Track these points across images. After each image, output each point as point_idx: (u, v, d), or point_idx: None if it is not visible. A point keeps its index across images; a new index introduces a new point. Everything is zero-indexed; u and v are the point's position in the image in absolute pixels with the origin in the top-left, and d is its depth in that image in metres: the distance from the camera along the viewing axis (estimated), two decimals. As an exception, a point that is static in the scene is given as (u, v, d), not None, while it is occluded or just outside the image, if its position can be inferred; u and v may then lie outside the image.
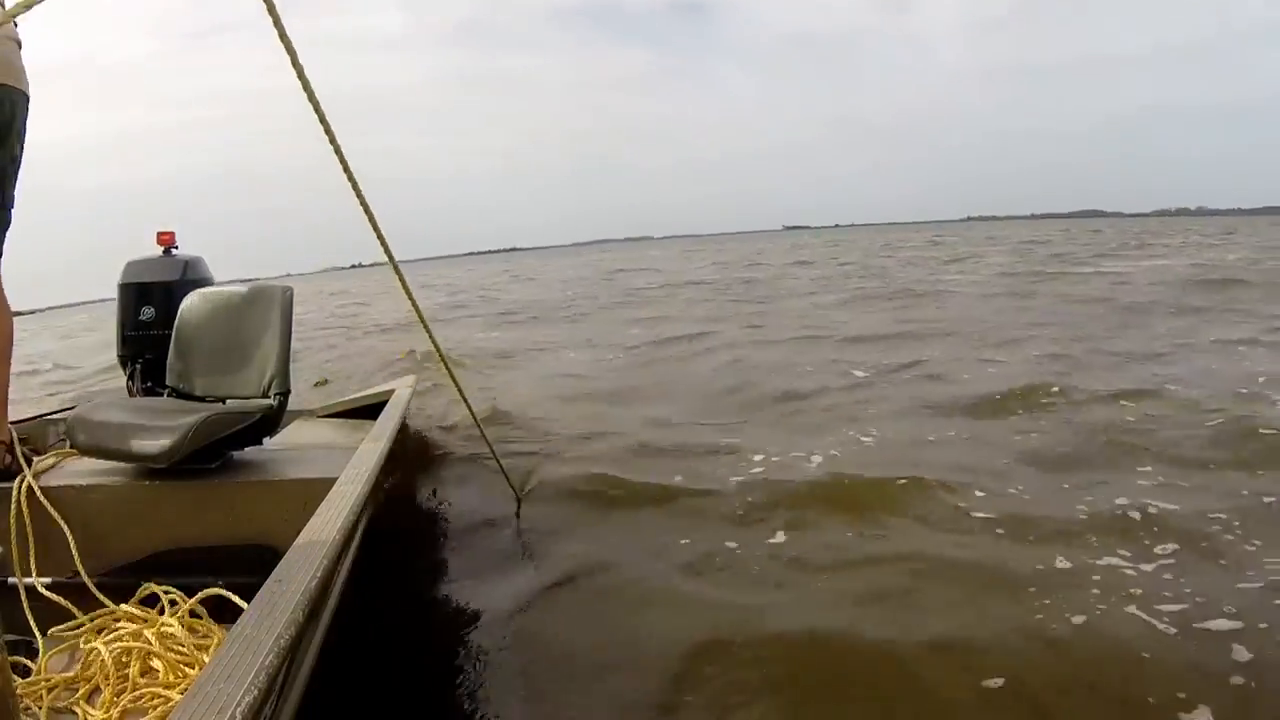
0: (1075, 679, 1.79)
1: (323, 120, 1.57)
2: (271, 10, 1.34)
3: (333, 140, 1.63)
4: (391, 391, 3.04)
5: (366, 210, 1.84)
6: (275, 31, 1.38)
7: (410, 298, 2.25)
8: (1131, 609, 2.05)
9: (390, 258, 2.03)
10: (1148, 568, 2.30)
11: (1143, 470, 3.13)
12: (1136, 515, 2.64)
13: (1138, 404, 4.07)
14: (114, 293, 2.94)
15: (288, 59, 1.43)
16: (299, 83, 1.48)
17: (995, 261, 16.49)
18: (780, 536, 2.73)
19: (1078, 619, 2.02)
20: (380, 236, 1.92)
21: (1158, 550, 2.40)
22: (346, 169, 1.71)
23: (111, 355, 3.09)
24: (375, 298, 18.98)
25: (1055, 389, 4.42)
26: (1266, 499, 2.72)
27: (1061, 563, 2.35)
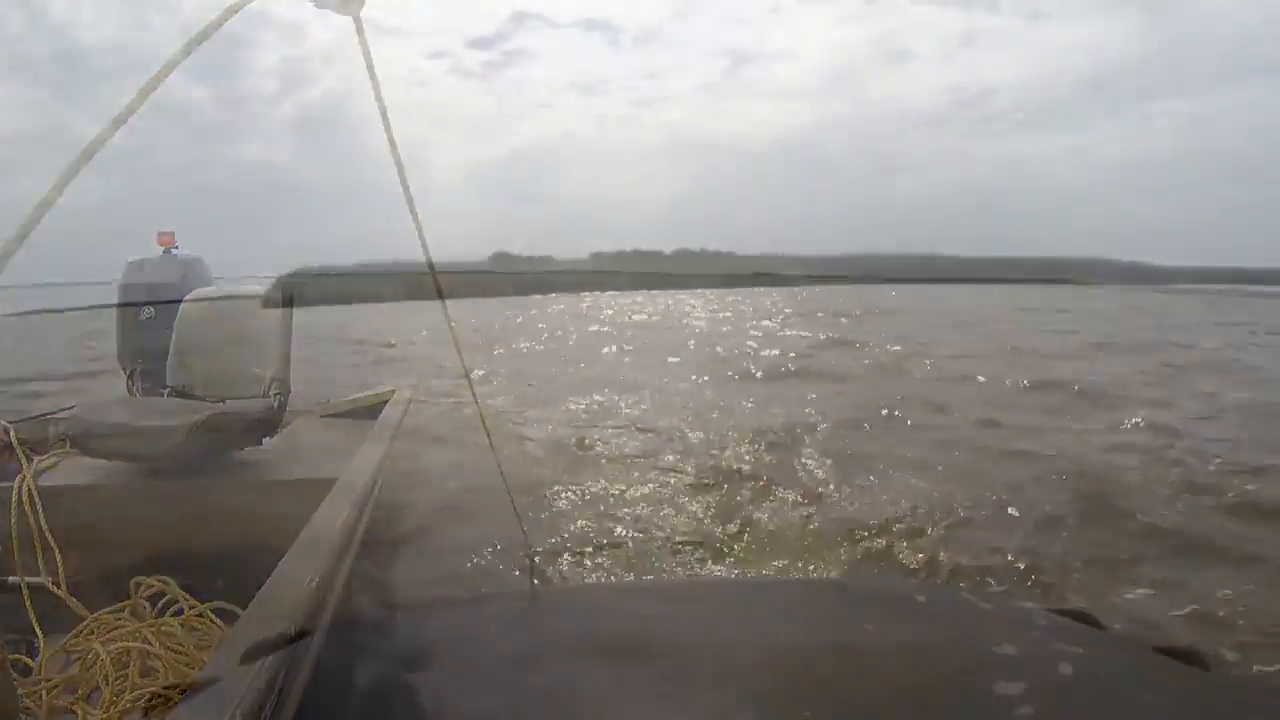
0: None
1: (387, 129, 1.48)
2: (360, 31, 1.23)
3: (395, 152, 1.53)
4: (392, 392, 3.04)
5: (417, 223, 1.73)
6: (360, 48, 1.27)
7: (448, 321, 2.15)
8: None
9: (435, 279, 1.93)
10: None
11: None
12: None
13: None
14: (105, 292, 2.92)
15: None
16: (372, 90, 1.38)
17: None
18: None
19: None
20: (426, 251, 1.82)
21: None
22: (403, 181, 1.61)
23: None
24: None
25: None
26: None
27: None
